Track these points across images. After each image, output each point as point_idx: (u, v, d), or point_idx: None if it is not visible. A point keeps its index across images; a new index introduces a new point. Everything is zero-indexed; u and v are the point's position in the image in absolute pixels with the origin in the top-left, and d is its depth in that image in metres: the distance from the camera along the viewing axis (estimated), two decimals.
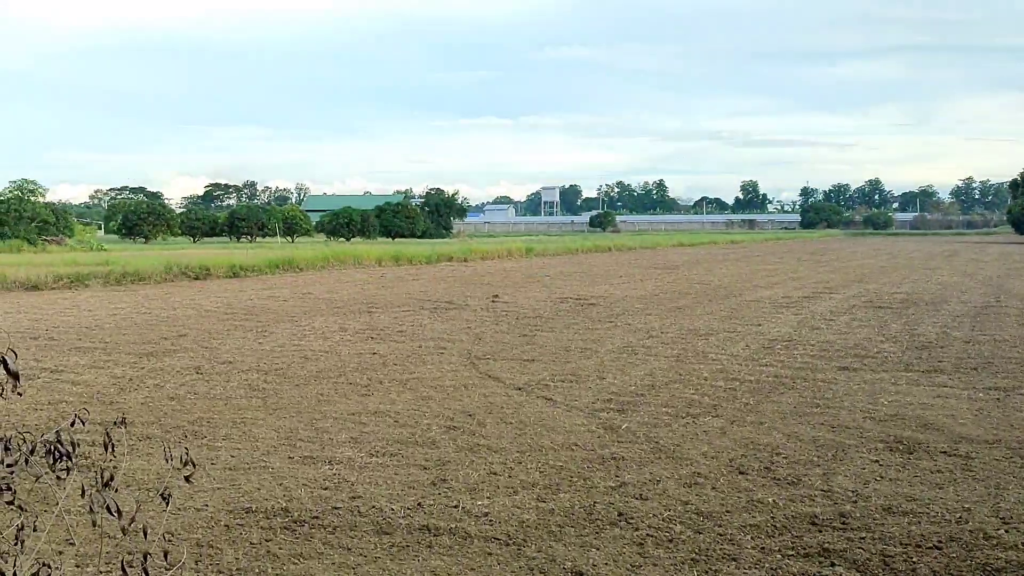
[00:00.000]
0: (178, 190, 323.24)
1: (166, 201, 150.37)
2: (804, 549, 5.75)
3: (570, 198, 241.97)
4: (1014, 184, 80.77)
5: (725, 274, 33.48)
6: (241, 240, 78.85)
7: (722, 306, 21.02)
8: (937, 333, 15.85)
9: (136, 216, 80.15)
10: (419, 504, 6.66)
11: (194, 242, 77.81)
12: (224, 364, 12.94)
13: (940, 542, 5.84)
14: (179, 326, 17.53)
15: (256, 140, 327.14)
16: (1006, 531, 6.02)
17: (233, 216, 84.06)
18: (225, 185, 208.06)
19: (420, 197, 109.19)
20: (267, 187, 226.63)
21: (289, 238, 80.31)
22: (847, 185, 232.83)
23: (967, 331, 16.11)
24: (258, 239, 79.86)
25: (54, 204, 72.35)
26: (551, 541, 5.94)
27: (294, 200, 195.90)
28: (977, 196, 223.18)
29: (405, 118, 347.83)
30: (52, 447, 2.85)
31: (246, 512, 6.52)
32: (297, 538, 6.02)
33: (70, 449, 2.85)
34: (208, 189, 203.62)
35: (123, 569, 3.12)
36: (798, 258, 47.33)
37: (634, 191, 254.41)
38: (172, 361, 13.25)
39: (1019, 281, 28.42)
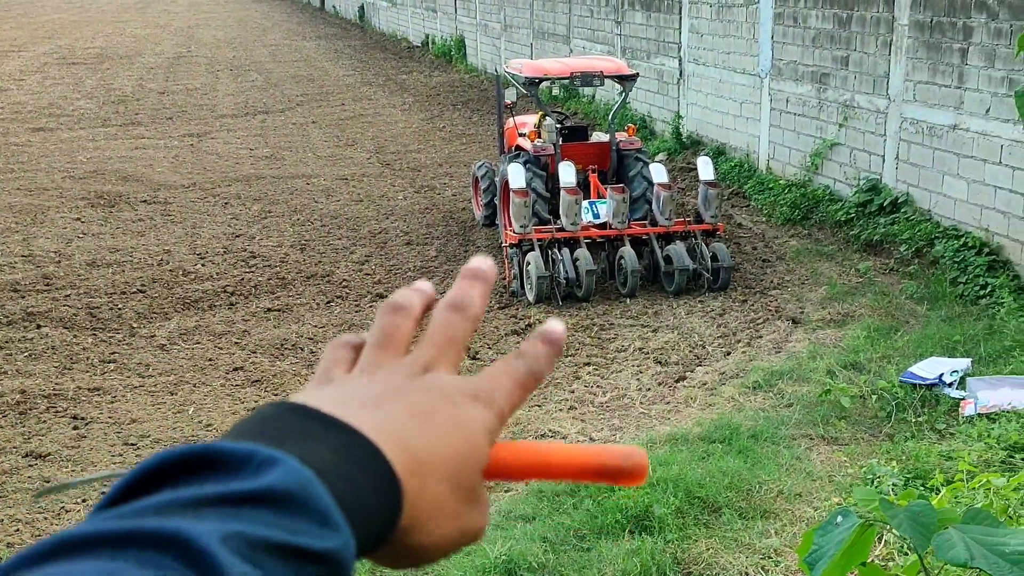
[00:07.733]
0: None
1: None
2: (8, 317, 5.61)
3: None
4: None
5: None
6: None
7: None
8: (133, 87, 15.89)
9: None
10: None
11: None
12: None
13: (144, 286, 6.14)
14: None
15: None
16: (202, 265, 6.54)
17: None
18: None
19: None
20: None
21: None
22: None
23: (162, 82, 16.40)
24: None
25: None
26: None
27: None
28: None
29: None
30: None
31: None
32: None
33: None
34: None
35: None
36: None
37: None
38: None
39: (209, 31, 29.44)
